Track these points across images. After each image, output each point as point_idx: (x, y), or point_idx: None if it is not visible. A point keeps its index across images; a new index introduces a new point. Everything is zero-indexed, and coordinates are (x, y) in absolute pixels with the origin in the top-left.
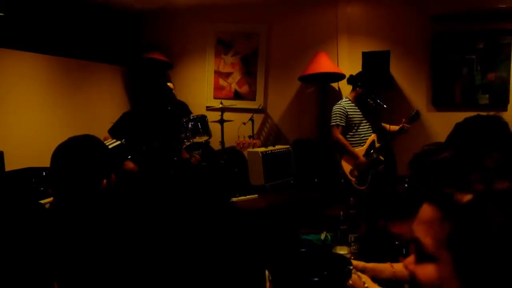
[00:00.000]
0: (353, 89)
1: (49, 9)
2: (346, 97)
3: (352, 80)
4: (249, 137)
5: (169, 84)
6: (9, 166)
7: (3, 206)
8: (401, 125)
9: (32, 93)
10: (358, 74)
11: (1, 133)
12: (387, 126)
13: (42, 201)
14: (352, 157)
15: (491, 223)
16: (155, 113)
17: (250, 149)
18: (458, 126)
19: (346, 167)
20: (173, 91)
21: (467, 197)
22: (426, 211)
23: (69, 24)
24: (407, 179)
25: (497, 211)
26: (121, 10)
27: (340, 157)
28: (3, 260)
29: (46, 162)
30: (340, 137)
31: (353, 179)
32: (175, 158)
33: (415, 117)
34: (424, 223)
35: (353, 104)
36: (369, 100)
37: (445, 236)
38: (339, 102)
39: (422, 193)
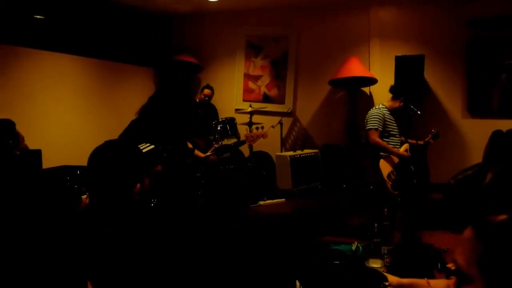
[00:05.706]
0: (394, 99)
1: (85, 12)
2: (383, 105)
3: (395, 90)
4: (256, 128)
5: (206, 90)
6: (46, 163)
7: (39, 204)
8: (427, 139)
9: (68, 93)
10: (401, 85)
11: (39, 132)
12: (414, 141)
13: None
14: (391, 159)
15: None
16: (165, 117)
17: (278, 153)
18: (497, 138)
19: (385, 170)
20: (212, 96)
21: (501, 218)
22: (467, 232)
23: (104, 26)
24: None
25: None
26: (153, 14)
27: (378, 160)
28: (37, 258)
29: (81, 161)
30: (379, 140)
31: (389, 182)
32: (188, 161)
33: (435, 137)
34: (462, 243)
35: (389, 113)
36: (411, 111)
37: (476, 255)
38: (377, 107)
39: (466, 218)
